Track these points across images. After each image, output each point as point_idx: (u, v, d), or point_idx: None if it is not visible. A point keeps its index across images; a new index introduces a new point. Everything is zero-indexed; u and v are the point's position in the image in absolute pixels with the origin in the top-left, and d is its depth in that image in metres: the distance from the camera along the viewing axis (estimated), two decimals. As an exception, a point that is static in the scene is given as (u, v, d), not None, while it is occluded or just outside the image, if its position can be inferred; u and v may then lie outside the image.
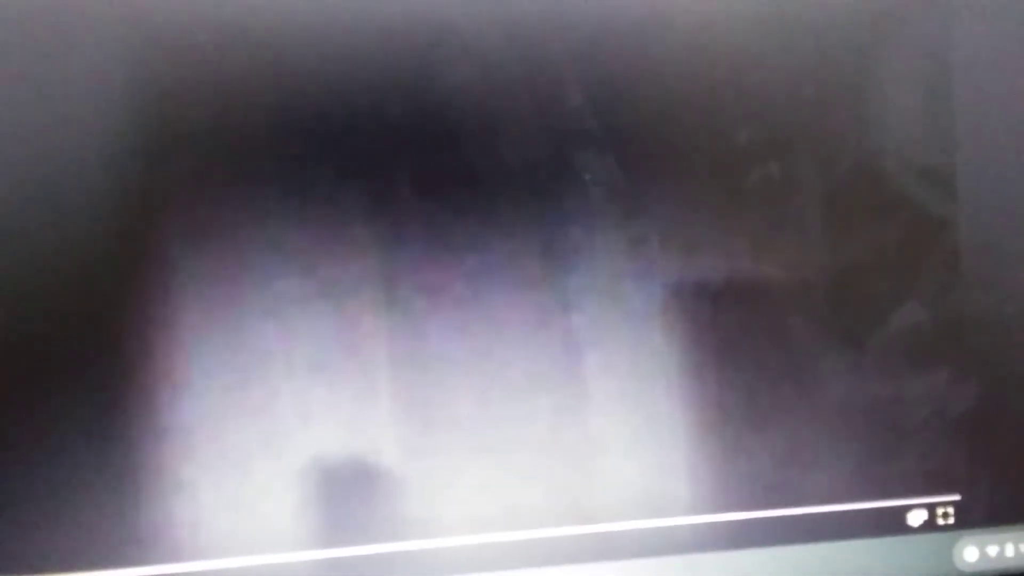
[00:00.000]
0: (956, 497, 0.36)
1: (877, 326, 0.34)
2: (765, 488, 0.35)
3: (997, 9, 0.34)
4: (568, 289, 0.33)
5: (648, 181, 0.33)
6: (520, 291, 0.33)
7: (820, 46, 0.33)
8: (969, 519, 0.36)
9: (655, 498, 0.34)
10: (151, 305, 0.31)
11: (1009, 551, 0.36)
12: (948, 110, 0.34)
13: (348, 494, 0.33)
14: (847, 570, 0.35)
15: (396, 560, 0.33)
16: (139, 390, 0.31)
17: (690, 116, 0.33)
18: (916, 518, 0.36)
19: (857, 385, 0.35)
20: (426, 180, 0.32)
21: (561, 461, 0.34)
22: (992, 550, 0.36)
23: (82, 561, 0.32)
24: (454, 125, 0.32)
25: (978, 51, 0.34)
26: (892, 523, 0.36)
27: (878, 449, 0.35)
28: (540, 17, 0.32)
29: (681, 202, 0.33)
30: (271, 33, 0.31)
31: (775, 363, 0.34)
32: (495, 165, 0.32)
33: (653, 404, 0.34)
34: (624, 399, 0.34)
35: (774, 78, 0.33)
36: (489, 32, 0.32)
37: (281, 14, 0.31)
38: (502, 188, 0.32)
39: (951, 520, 0.36)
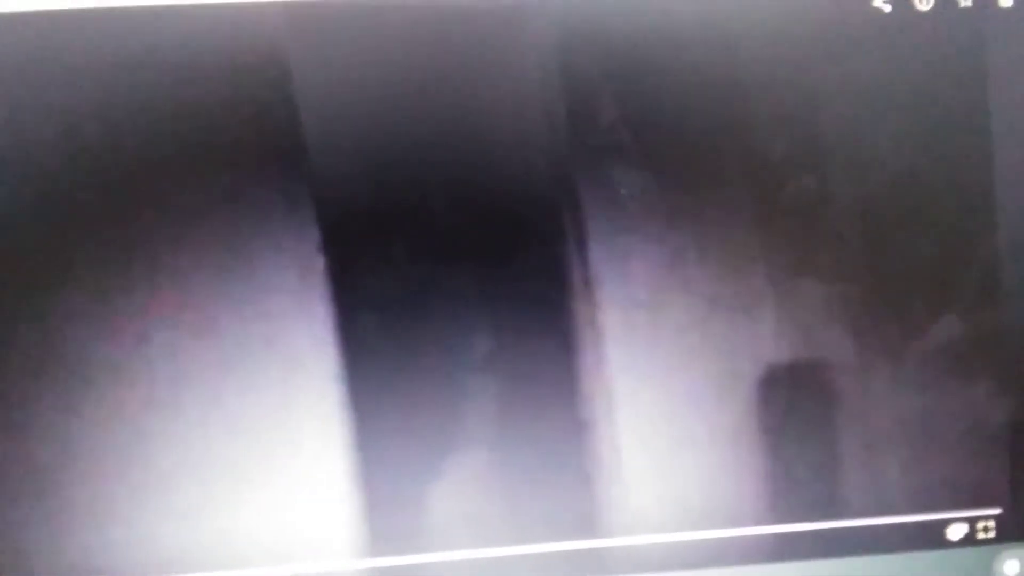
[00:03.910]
0: (997, 511, 0.35)
1: (915, 339, 0.34)
2: (804, 501, 0.35)
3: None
4: (604, 302, 0.33)
5: (684, 195, 0.33)
6: (555, 304, 0.33)
7: (854, 60, 0.33)
8: (1010, 533, 0.35)
9: (693, 511, 0.35)
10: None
11: (1051, 565, 0.36)
12: (985, 121, 0.34)
13: (372, 507, 0.33)
14: (887, 584, 0.35)
15: (426, 571, 0.34)
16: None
17: (725, 130, 0.33)
18: (956, 532, 0.35)
19: (896, 398, 0.34)
20: (461, 196, 0.33)
21: (599, 475, 0.34)
22: (1034, 564, 0.36)
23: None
24: (489, 141, 0.32)
25: (1014, 61, 0.34)
26: (932, 537, 0.35)
27: (918, 463, 0.35)
28: (573, 33, 0.32)
29: (718, 215, 0.33)
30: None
31: (813, 376, 0.34)
32: (531, 181, 0.33)
33: (691, 417, 0.34)
34: (662, 412, 0.34)
35: (809, 91, 0.33)
36: (524, 49, 0.32)
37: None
38: (538, 203, 0.33)
39: (992, 534, 0.35)
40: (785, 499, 0.35)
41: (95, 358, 0.32)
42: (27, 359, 0.32)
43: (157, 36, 0.31)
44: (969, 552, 0.36)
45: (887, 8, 0.33)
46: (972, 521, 0.35)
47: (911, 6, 0.33)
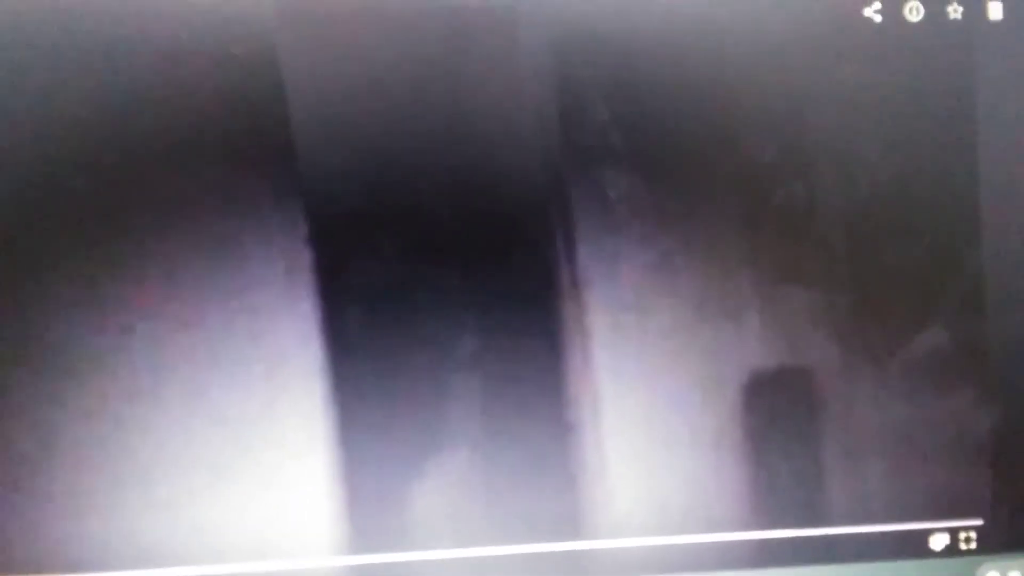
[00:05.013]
0: (979, 522, 0.35)
1: (900, 348, 0.34)
2: (786, 508, 0.35)
3: (1022, 28, 0.34)
4: (590, 305, 0.33)
5: (673, 199, 0.33)
6: (542, 305, 0.33)
7: (844, 69, 0.33)
8: (992, 544, 0.36)
9: (677, 515, 0.35)
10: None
11: (1032, 577, 0.36)
12: (972, 132, 0.34)
13: (354, 504, 0.33)
14: (868, 592, 0.35)
15: (409, 570, 0.34)
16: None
17: (715, 135, 0.33)
18: (938, 542, 0.35)
19: (880, 407, 0.35)
20: (450, 194, 0.33)
21: (583, 477, 0.34)
22: (1015, 576, 0.36)
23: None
24: (479, 140, 0.32)
25: (1003, 74, 0.34)
26: (914, 546, 0.35)
27: (900, 472, 0.35)
28: (566, 34, 0.32)
29: (706, 220, 0.33)
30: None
31: (797, 383, 0.34)
32: (521, 180, 0.33)
33: (676, 421, 0.34)
34: (647, 416, 0.34)
35: (799, 99, 0.33)
36: (516, 49, 0.32)
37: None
38: (527, 203, 0.33)
39: (973, 545, 0.35)
40: (768, 505, 0.35)
41: (78, 349, 0.32)
42: (9, 349, 0.32)
43: (146, 28, 0.31)
44: (951, 562, 0.36)
45: (878, 19, 0.33)
46: (954, 532, 0.35)
47: (901, 17, 0.33)
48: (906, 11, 0.33)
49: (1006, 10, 0.33)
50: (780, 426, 0.34)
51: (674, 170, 0.33)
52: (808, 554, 0.35)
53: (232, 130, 0.32)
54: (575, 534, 0.34)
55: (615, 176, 0.33)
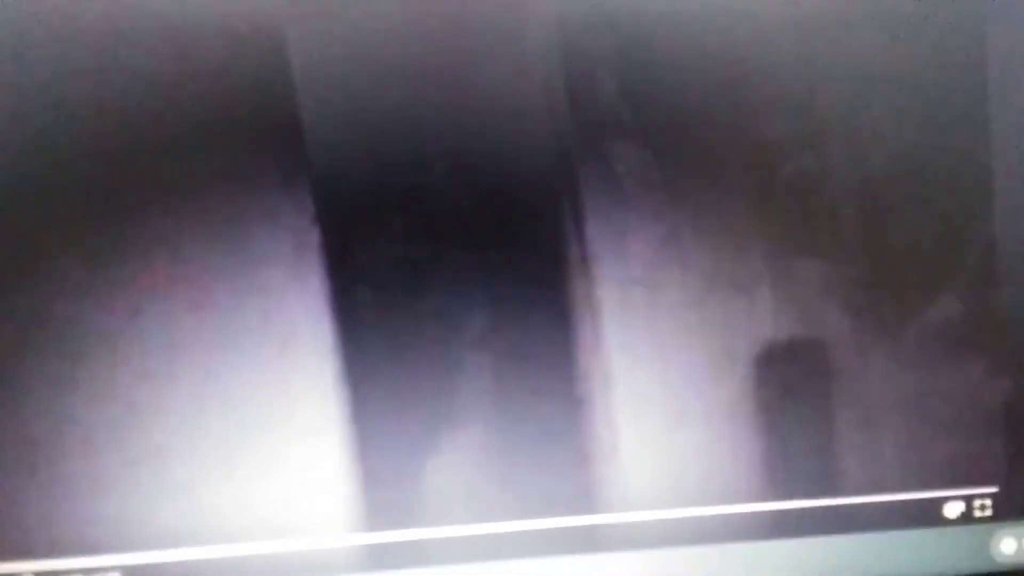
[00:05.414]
0: (993, 489, 0.35)
1: (912, 318, 0.34)
2: (801, 479, 0.35)
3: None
4: (601, 279, 0.33)
5: (682, 173, 0.33)
6: (552, 281, 0.33)
7: (855, 42, 0.33)
8: (1007, 511, 0.36)
9: (690, 488, 0.35)
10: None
11: (1047, 544, 0.36)
12: (983, 104, 0.33)
13: (368, 482, 0.34)
14: (883, 562, 0.35)
15: (423, 546, 0.34)
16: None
17: (724, 108, 0.33)
18: (953, 510, 0.35)
19: (893, 377, 0.35)
20: (459, 171, 0.33)
21: (595, 451, 0.34)
22: (1030, 542, 0.36)
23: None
24: (488, 117, 0.32)
25: (1014, 46, 0.33)
26: (929, 515, 0.35)
27: (915, 441, 0.35)
28: (574, 11, 0.32)
29: (716, 194, 0.33)
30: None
31: (810, 355, 0.34)
32: (530, 157, 0.33)
33: (688, 395, 0.34)
34: (659, 390, 0.34)
35: (809, 73, 0.33)
36: (524, 26, 0.32)
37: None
38: (536, 179, 0.33)
39: (988, 512, 0.36)
40: (782, 477, 0.35)
41: (89, 331, 0.32)
42: (20, 332, 0.32)
43: (155, 8, 0.31)
44: (966, 530, 0.36)
45: (888, -13, 0.33)
46: (969, 499, 0.35)
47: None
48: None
49: (1018, -23, 0.33)
50: (793, 398, 0.34)
51: (683, 144, 0.33)
52: (822, 524, 0.35)
53: (240, 111, 0.32)
54: (589, 508, 0.34)
55: (624, 151, 0.33)
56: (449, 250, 0.33)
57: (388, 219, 0.32)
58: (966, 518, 0.36)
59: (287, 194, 0.32)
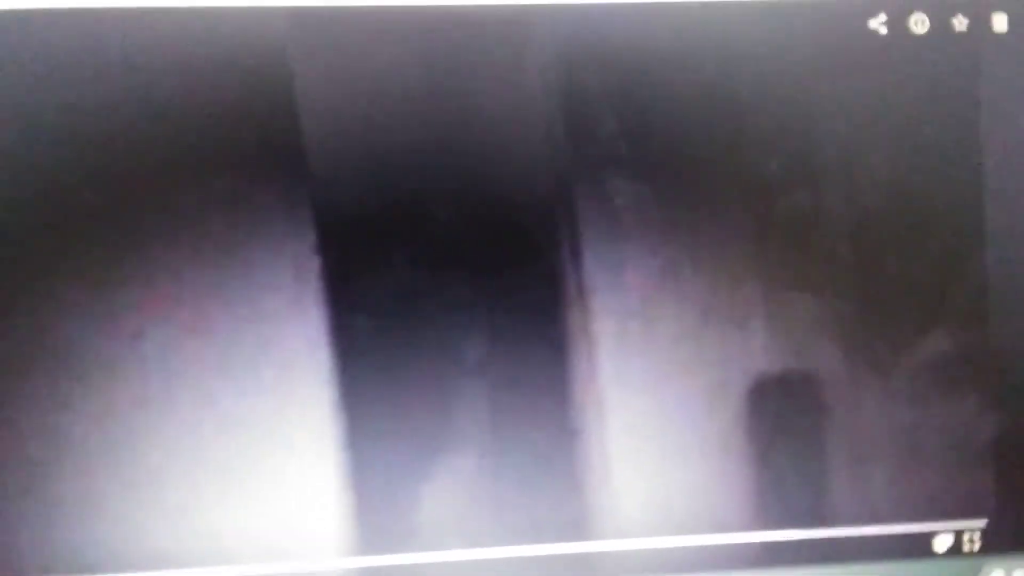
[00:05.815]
0: (983, 523, 0.36)
1: (904, 353, 0.35)
2: (791, 509, 0.35)
3: (1027, 39, 0.34)
4: (597, 312, 0.34)
5: (679, 208, 0.33)
6: (549, 311, 0.33)
7: (850, 80, 0.33)
8: (995, 544, 0.36)
9: (682, 517, 0.35)
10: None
11: (1036, 578, 0.36)
12: (976, 143, 0.34)
13: (363, 506, 0.34)
14: (872, 593, 0.36)
15: (417, 571, 0.34)
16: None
17: (721, 144, 0.33)
18: (942, 543, 0.36)
19: (884, 410, 0.35)
20: (458, 202, 0.33)
21: (589, 480, 0.34)
22: (1018, 576, 0.36)
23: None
24: (487, 148, 0.33)
25: (1007, 86, 0.34)
26: (918, 547, 0.36)
27: (905, 474, 0.35)
28: (574, 44, 0.33)
29: (712, 229, 0.34)
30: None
31: (803, 388, 0.35)
32: (528, 188, 0.33)
33: (681, 426, 0.34)
34: (653, 421, 0.34)
35: (804, 110, 0.33)
36: (525, 58, 0.33)
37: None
38: (534, 211, 0.33)
39: (977, 546, 0.36)
40: (773, 507, 0.35)
41: (89, 355, 0.32)
42: (20, 354, 0.32)
43: (159, 36, 0.31)
44: (955, 563, 0.36)
45: (883, 31, 0.33)
46: (958, 533, 0.36)
47: (907, 29, 0.33)
48: (911, 23, 0.33)
49: (1011, 22, 0.33)
50: (785, 430, 0.35)
51: (680, 179, 0.33)
52: (812, 555, 0.35)
53: (243, 138, 0.32)
54: (582, 536, 0.35)
55: (622, 185, 0.33)
56: (448, 280, 0.33)
57: (388, 249, 0.33)
58: (956, 551, 0.36)
59: (289, 223, 0.32)
